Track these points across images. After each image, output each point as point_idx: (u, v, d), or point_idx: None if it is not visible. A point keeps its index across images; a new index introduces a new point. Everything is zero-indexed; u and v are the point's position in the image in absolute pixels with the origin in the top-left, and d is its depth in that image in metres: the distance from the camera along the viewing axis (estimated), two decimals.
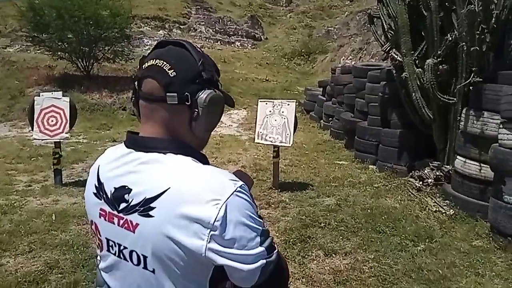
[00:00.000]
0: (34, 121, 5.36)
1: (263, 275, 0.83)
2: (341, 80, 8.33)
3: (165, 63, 0.90)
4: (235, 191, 0.83)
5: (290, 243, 3.63)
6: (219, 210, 0.80)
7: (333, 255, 3.44)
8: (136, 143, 0.93)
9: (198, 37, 17.87)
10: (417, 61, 5.23)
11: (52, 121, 5.36)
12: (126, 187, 0.88)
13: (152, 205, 0.84)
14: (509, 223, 3.44)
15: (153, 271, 0.85)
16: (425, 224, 4.05)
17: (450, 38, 4.79)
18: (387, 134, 5.95)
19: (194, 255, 0.80)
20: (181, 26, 18.09)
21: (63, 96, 5.58)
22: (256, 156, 6.82)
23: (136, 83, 0.95)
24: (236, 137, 8.47)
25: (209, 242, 0.79)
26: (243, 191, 0.85)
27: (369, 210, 4.35)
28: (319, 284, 3.01)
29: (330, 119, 8.85)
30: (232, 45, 18.50)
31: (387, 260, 3.33)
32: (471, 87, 4.54)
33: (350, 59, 14.55)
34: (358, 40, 14.82)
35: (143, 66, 0.94)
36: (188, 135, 0.93)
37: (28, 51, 13.27)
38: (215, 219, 0.79)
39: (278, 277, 0.88)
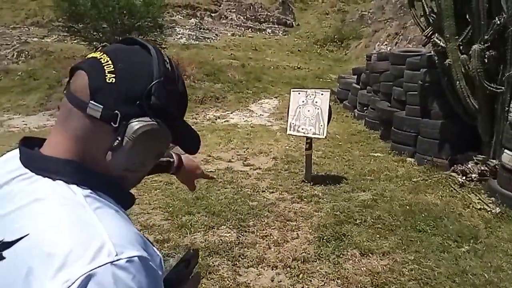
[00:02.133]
0: None
1: None
2: (378, 67, 7.99)
3: (109, 62, 0.67)
4: (110, 263, 0.55)
5: (324, 240, 3.48)
6: None
7: (370, 255, 3.27)
8: (25, 157, 0.70)
9: (229, 24, 17.77)
10: (461, 47, 4.90)
11: None
12: None
13: (4, 253, 0.59)
14: None
15: None
16: (469, 223, 3.79)
17: (499, 22, 4.41)
18: (427, 125, 5.64)
19: None
20: (212, 14, 18.05)
21: None
22: (287, 147, 6.67)
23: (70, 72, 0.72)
24: (267, 127, 8.33)
25: None
26: (129, 267, 0.56)
27: (407, 207, 4.13)
28: (356, 286, 2.86)
29: (365, 108, 8.54)
30: (263, 32, 18.27)
31: (428, 262, 3.13)
32: None
33: (386, 44, 14.01)
34: (394, 24, 14.24)
35: (89, 55, 0.72)
36: (104, 164, 0.69)
37: (65, 41, 13.58)
38: None
39: None
